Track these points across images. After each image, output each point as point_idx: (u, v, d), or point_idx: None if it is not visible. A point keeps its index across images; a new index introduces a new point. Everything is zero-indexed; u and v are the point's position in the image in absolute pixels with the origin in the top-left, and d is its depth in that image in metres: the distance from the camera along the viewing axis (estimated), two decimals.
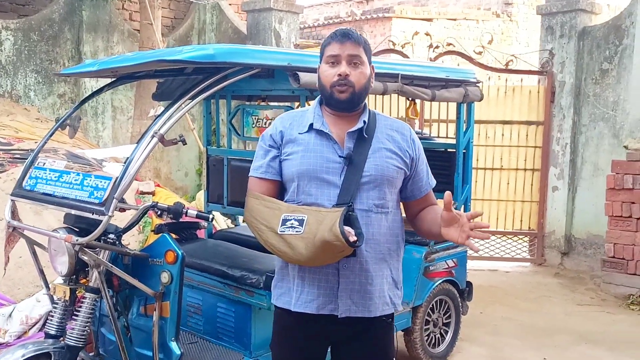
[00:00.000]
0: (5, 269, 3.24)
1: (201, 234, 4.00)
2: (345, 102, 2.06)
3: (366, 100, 2.17)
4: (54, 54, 6.47)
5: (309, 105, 2.26)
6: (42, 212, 4.07)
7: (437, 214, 2.08)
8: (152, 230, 3.90)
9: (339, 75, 2.03)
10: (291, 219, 1.96)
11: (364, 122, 2.08)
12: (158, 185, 5.01)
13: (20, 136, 5.04)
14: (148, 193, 4.62)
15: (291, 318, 2.12)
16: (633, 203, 5.78)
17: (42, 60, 6.39)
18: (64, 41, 6.53)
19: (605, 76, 6.63)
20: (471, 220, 1.92)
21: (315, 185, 2.04)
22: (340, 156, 2.04)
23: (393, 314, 2.18)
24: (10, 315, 3.46)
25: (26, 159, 4.65)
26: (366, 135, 2.08)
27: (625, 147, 5.94)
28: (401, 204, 2.24)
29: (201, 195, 6.20)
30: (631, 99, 6.20)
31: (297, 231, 1.93)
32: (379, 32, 13.31)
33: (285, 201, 2.09)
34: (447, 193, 1.91)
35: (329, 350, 2.24)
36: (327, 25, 14.40)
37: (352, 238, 1.88)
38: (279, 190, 2.14)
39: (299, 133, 2.10)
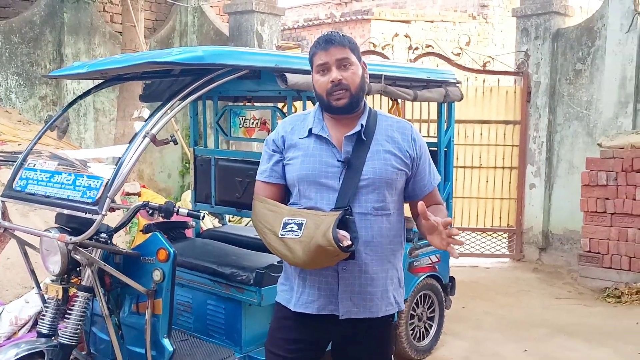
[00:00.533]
0: None
1: (189, 233, 4.05)
2: (344, 108, 2.07)
3: (365, 100, 2.19)
4: (35, 56, 6.44)
5: (297, 107, 2.31)
6: (29, 213, 4.08)
7: (439, 213, 2.08)
8: (140, 230, 3.94)
9: (332, 82, 2.04)
10: (291, 223, 1.99)
11: (362, 125, 2.09)
12: (143, 187, 5.04)
13: (3, 139, 5.03)
14: (134, 194, 4.66)
15: (289, 314, 2.15)
16: (607, 199, 5.95)
17: (24, 63, 6.36)
18: (45, 43, 6.51)
19: (578, 76, 6.83)
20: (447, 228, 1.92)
21: (315, 189, 2.07)
22: (338, 160, 2.06)
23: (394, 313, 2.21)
24: None
25: (9, 161, 4.66)
26: (364, 138, 2.09)
27: (599, 145, 6.12)
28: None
29: (187, 196, 6.24)
30: (604, 98, 6.41)
31: (295, 235, 1.96)
32: (358, 33, 13.43)
33: (290, 204, 2.13)
34: (421, 203, 1.91)
35: (329, 347, 2.27)
36: (306, 27, 14.49)
37: (346, 243, 1.91)
38: (284, 193, 2.17)
39: (300, 138, 2.12)
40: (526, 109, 7.11)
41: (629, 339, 4.70)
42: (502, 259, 7.39)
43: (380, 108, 6.58)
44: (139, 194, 4.72)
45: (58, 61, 6.55)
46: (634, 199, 5.79)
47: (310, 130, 2.11)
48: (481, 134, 7.19)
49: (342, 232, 1.93)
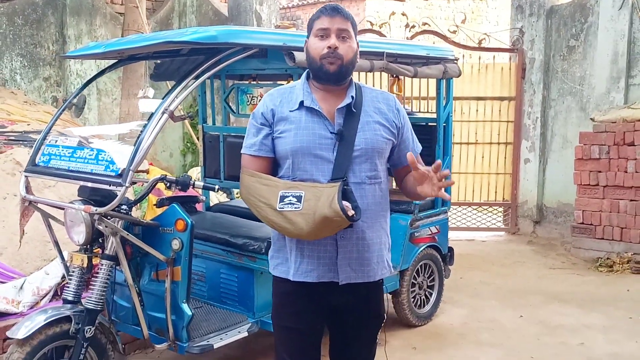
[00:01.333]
0: (20, 242, 3.41)
1: (199, 207, 4.21)
2: (334, 74, 2.09)
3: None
4: (39, 38, 6.53)
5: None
6: (43, 190, 4.22)
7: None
8: (154, 205, 4.09)
9: (329, 47, 2.07)
10: (289, 196, 2.01)
11: (352, 97, 2.13)
12: (151, 164, 5.18)
13: (13, 119, 5.15)
14: (143, 171, 4.79)
15: (290, 286, 2.18)
16: (599, 172, 6.14)
17: (27, 44, 6.45)
18: (48, 25, 6.59)
19: (572, 52, 6.98)
20: (437, 173, 2.00)
21: (310, 161, 2.09)
22: (331, 132, 2.10)
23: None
24: (21, 287, 3.63)
25: (21, 140, 4.80)
26: (354, 110, 2.13)
27: (592, 119, 6.29)
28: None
29: (192, 173, 6.39)
30: (596, 74, 6.56)
31: (295, 207, 1.98)
32: (352, 12, 13.41)
33: (280, 177, 2.14)
34: (409, 154, 1.98)
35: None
36: (301, 6, 14.52)
37: (351, 212, 1.96)
38: (272, 166, 2.18)
39: (290, 111, 2.13)
40: (521, 85, 7.27)
41: (619, 304, 4.92)
42: (497, 233, 7.60)
43: (380, 85, 6.72)
44: (147, 172, 4.86)
45: (61, 42, 6.64)
46: (626, 172, 5.97)
47: (302, 102, 2.13)
48: (477, 110, 7.34)
49: (345, 203, 1.98)
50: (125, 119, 5.80)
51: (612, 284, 5.50)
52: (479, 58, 7.41)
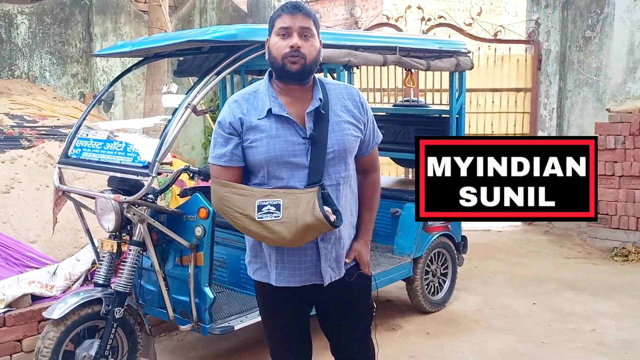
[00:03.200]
0: (54, 229, 3.63)
1: None
2: (296, 73, 2.03)
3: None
4: (66, 36, 6.79)
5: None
6: (73, 182, 4.45)
7: (369, 187, 2.29)
8: (177, 194, 4.29)
9: (291, 47, 2.01)
10: (267, 204, 1.99)
11: (320, 99, 2.08)
12: (174, 157, 5.39)
13: (43, 114, 5.39)
14: (167, 163, 5.01)
15: (273, 290, 2.17)
16: (615, 162, 6.18)
17: (56, 42, 6.72)
18: (75, 23, 6.85)
19: (588, 43, 7.02)
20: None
21: (286, 169, 2.05)
22: (303, 137, 2.06)
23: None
24: (54, 273, 3.85)
25: (51, 134, 5.04)
26: (323, 112, 2.09)
27: (608, 110, 6.33)
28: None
29: None
30: (612, 64, 6.59)
31: (275, 216, 1.97)
32: (371, 5, 13.56)
33: (255, 185, 2.09)
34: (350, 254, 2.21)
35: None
36: (319, 0, 14.63)
37: (333, 217, 1.98)
38: (243, 175, 2.13)
39: (259, 119, 2.07)
40: (537, 76, 7.33)
41: (633, 292, 4.99)
42: (514, 223, 7.66)
43: (395, 78, 6.84)
44: (171, 164, 5.07)
45: (87, 40, 6.90)
46: None
47: (270, 110, 2.06)
48: (493, 101, 7.42)
49: (327, 208, 1.98)
50: (149, 113, 6.01)
51: (627, 273, 5.56)
52: (495, 50, 7.48)
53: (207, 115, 6.98)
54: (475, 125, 7.40)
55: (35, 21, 6.58)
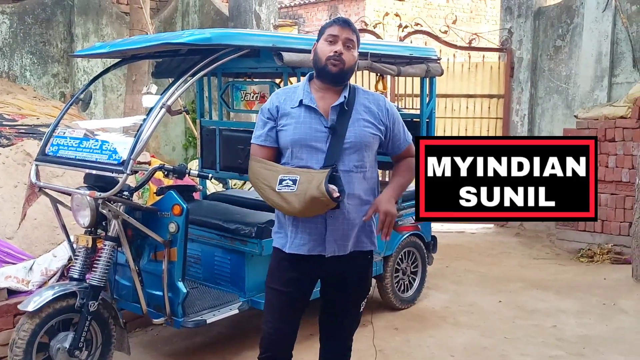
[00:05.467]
0: (20, 224, 3.70)
1: (197, 196, 4.51)
2: (335, 75, 2.44)
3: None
4: (48, 36, 6.85)
5: (292, 82, 2.72)
6: (52, 179, 4.52)
7: (403, 164, 2.65)
8: (154, 193, 4.38)
9: (335, 52, 2.42)
10: (286, 179, 2.35)
11: (345, 97, 2.47)
12: (153, 156, 5.48)
13: (23, 113, 5.46)
14: (145, 163, 5.10)
15: (285, 255, 2.53)
16: None
17: (37, 42, 6.77)
18: (57, 24, 6.90)
19: (558, 52, 7.25)
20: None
21: (306, 151, 2.43)
22: (325, 127, 2.44)
23: (372, 251, 2.63)
24: (31, 268, 3.91)
25: (31, 133, 5.11)
26: (347, 108, 2.46)
27: (576, 116, 6.55)
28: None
29: (192, 165, 6.70)
30: (581, 73, 6.83)
31: (291, 189, 2.33)
32: (353, 11, 13.76)
33: (282, 164, 2.48)
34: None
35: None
36: (303, 5, 14.79)
37: (335, 194, 2.31)
38: (277, 155, 2.52)
39: (292, 107, 2.47)
40: (509, 83, 7.54)
41: (595, 291, 5.19)
42: (486, 225, 7.86)
43: (368, 83, 6.99)
44: (149, 163, 5.15)
45: (69, 41, 6.96)
46: (607, 167, 6.23)
47: (301, 101, 2.47)
48: (467, 107, 7.62)
49: (332, 186, 2.33)
50: (129, 113, 6.09)
51: (590, 273, 5.76)
52: (469, 57, 7.68)
53: (188, 117, 7.09)
54: (450, 129, 7.59)
55: (17, 21, 6.63)
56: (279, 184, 2.37)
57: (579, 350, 4.01)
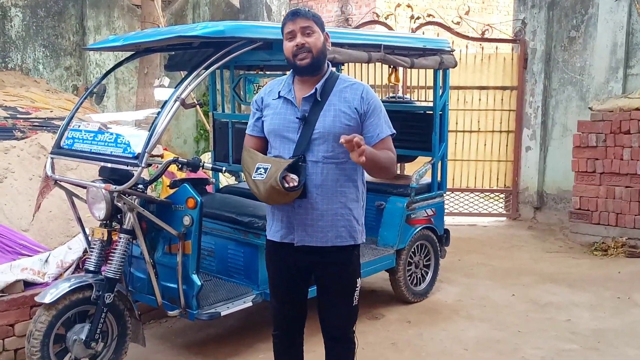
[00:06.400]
0: (34, 216, 3.74)
1: (210, 189, 4.52)
2: (307, 67, 2.44)
3: (331, 67, 2.58)
4: (60, 29, 6.87)
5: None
6: (66, 172, 4.55)
7: (384, 151, 2.48)
8: (167, 186, 4.40)
9: (296, 45, 2.43)
10: (260, 168, 2.42)
11: (316, 89, 2.46)
12: (165, 149, 5.50)
13: (37, 106, 5.49)
14: (157, 156, 5.10)
15: (270, 244, 2.65)
16: (597, 159, 6.34)
17: (49, 35, 6.80)
18: (69, 17, 6.93)
19: (572, 43, 7.17)
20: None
21: (279, 141, 2.50)
22: (297, 117, 2.47)
23: (354, 246, 2.59)
24: (46, 261, 3.95)
25: (44, 126, 5.14)
26: (319, 99, 2.47)
27: (590, 108, 6.49)
28: None
29: (204, 158, 6.71)
30: (596, 64, 6.75)
31: (261, 177, 2.39)
32: (364, 3, 13.65)
33: (267, 153, 2.56)
34: (342, 136, 2.24)
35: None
36: None
37: (291, 184, 2.34)
38: (265, 144, 2.59)
39: (273, 99, 2.55)
40: (523, 75, 7.47)
41: (609, 285, 5.16)
42: (498, 218, 7.84)
43: (381, 75, 6.97)
44: (161, 156, 5.16)
45: (81, 33, 6.99)
46: (622, 159, 6.17)
47: (279, 92, 2.54)
48: (479, 99, 7.56)
49: (292, 176, 2.37)
50: (141, 106, 6.11)
51: (604, 267, 5.73)
52: (482, 48, 7.61)
53: (199, 109, 7.10)
54: (462, 122, 7.54)
55: (29, 14, 6.66)
56: (255, 172, 2.44)
57: (593, 344, 3.99)
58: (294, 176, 2.37)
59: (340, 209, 2.52)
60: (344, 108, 2.47)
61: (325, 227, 2.50)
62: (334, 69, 2.63)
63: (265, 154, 2.57)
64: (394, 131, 2.57)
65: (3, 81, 6.12)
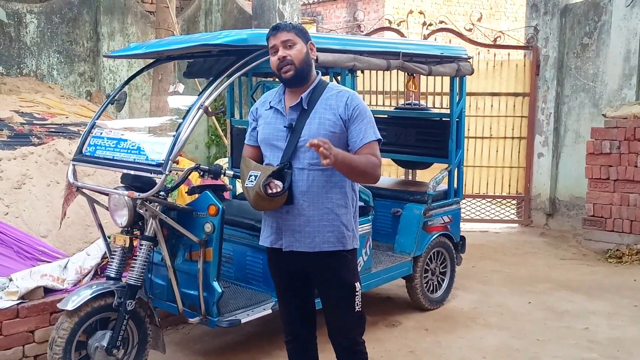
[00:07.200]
0: (61, 224, 3.75)
1: (227, 195, 4.53)
2: (291, 79, 2.54)
3: (320, 76, 2.64)
4: (74, 35, 6.91)
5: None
6: (84, 178, 4.57)
7: (366, 155, 2.52)
8: (185, 192, 4.40)
9: (279, 59, 2.53)
10: (252, 175, 2.49)
11: (301, 98, 2.55)
12: (180, 155, 5.50)
13: (53, 112, 5.51)
14: (174, 161, 5.12)
15: (268, 251, 2.74)
16: (610, 166, 6.33)
17: (64, 41, 6.83)
18: (83, 23, 6.97)
19: (585, 50, 7.16)
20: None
21: (269, 149, 2.61)
22: (284, 126, 2.56)
23: (345, 251, 2.61)
24: (65, 267, 3.96)
25: (61, 132, 5.16)
26: (306, 108, 2.55)
27: (604, 115, 6.47)
28: None
29: (220, 164, 6.72)
30: (609, 71, 6.74)
31: (251, 184, 2.47)
32: (372, 9, 13.70)
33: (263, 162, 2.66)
34: (310, 140, 2.30)
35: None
36: (321, 2, 14.76)
37: (272, 190, 2.42)
38: (261, 153, 2.68)
39: (265, 110, 2.67)
40: (535, 81, 7.46)
41: (625, 293, 5.14)
42: (510, 224, 7.82)
43: (398, 81, 6.97)
44: (177, 162, 5.17)
45: (95, 40, 7.02)
46: (636, 166, 6.15)
47: (270, 103, 2.65)
48: (492, 105, 7.56)
49: (276, 182, 2.45)
50: (155, 113, 6.12)
51: (619, 274, 5.70)
52: (494, 55, 7.62)
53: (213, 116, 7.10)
54: (474, 128, 7.54)
55: (44, 20, 6.70)
56: (247, 179, 2.51)
57: (612, 352, 3.97)
58: (278, 182, 2.44)
59: (327, 214, 2.57)
60: (329, 115, 2.53)
61: (312, 232, 2.57)
62: (325, 78, 2.74)
63: (262, 163, 2.66)
64: (380, 137, 2.59)
65: (18, 87, 6.15)
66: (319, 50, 3.42)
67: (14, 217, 4.16)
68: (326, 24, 14.26)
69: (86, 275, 4.02)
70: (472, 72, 4.65)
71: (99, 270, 4.04)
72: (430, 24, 7.49)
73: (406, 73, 4.38)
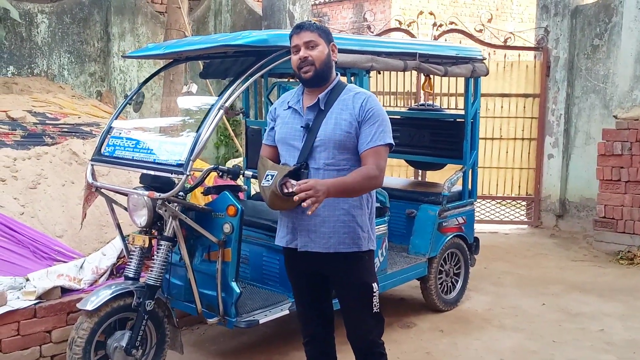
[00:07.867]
0: (82, 224, 3.74)
1: (241, 196, 4.52)
2: (310, 79, 2.55)
3: (340, 77, 2.66)
4: (85, 35, 6.92)
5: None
6: (98, 178, 4.56)
7: (360, 169, 2.50)
8: (201, 193, 4.40)
9: (300, 59, 2.54)
10: (269, 175, 2.48)
11: (319, 98, 2.56)
12: None
13: (65, 112, 5.51)
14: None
15: (284, 251, 2.75)
16: (622, 168, 6.31)
17: (74, 41, 6.84)
18: (94, 23, 6.97)
19: (596, 51, 7.15)
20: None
21: (286, 149, 2.62)
22: (301, 126, 2.58)
23: (361, 252, 2.61)
24: (81, 267, 3.96)
25: (73, 132, 5.16)
26: (323, 108, 2.56)
27: (615, 116, 6.46)
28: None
29: (230, 165, 6.72)
30: (620, 72, 6.72)
31: (268, 183, 2.46)
32: (379, 9, 13.70)
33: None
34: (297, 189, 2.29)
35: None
36: (328, 3, 14.77)
37: (289, 190, 2.38)
38: (279, 153, 2.70)
39: (283, 110, 2.68)
40: (545, 82, 7.45)
41: (637, 294, 5.13)
42: (520, 226, 7.80)
43: (411, 82, 6.94)
44: None
45: (105, 40, 7.02)
46: None
47: (288, 103, 2.67)
48: (502, 106, 7.55)
49: (292, 181, 2.41)
50: (166, 113, 6.12)
51: (632, 276, 5.69)
52: (505, 56, 7.61)
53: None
54: (484, 129, 7.51)
55: (55, 20, 6.70)
56: (264, 179, 2.50)
57: (629, 355, 3.96)
58: (294, 182, 2.41)
59: (343, 215, 2.57)
60: (345, 116, 2.54)
61: (327, 233, 2.57)
62: (343, 79, 2.73)
63: (279, 163, 2.66)
64: (391, 142, 2.56)
65: (29, 87, 6.16)
66: (338, 50, 3.43)
67: (29, 217, 4.16)
68: (333, 24, 14.26)
69: (102, 275, 4.02)
70: (487, 73, 4.65)
71: (115, 270, 4.04)
72: (441, 25, 7.49)
73: (421, 74, 4.37)
